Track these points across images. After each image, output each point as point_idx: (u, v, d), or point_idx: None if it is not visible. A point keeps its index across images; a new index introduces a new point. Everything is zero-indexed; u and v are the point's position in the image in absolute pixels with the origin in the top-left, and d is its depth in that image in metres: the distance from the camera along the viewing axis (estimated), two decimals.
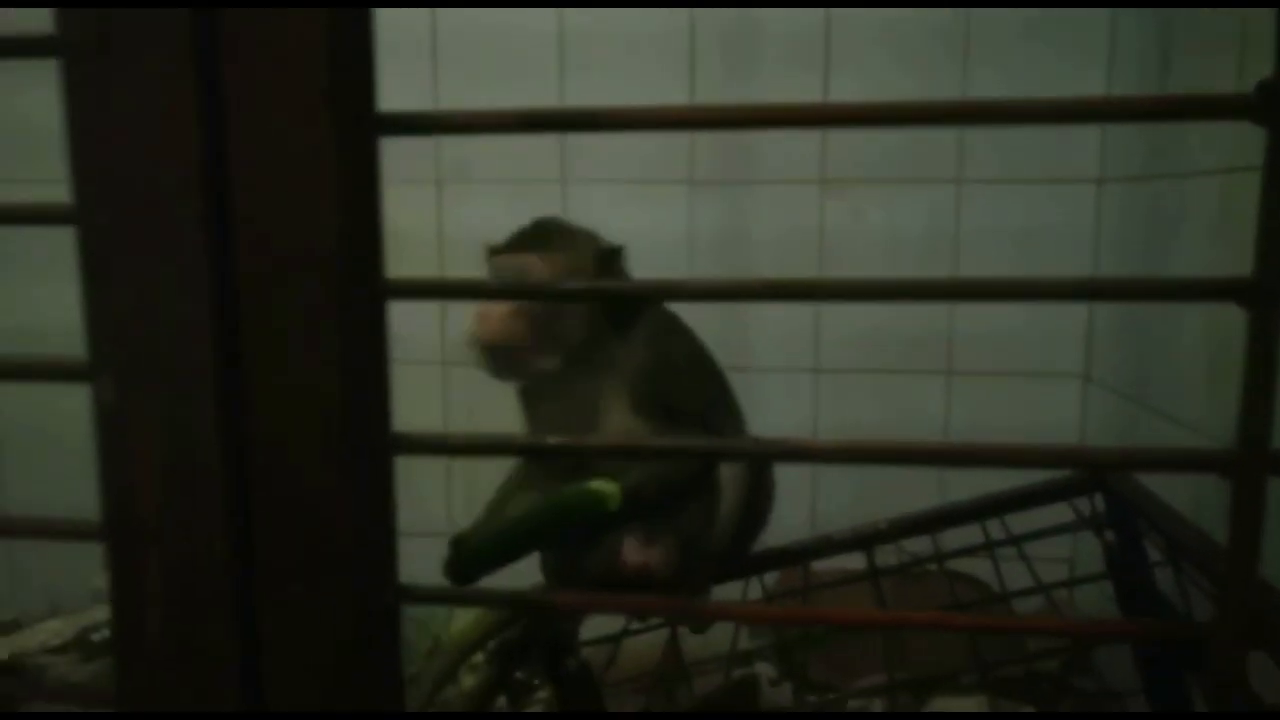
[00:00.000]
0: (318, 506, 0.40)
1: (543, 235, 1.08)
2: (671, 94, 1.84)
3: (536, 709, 1.32)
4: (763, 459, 1.01)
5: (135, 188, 0.39)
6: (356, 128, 0.39)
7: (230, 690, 0.40)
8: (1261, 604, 0.37)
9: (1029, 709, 1.30)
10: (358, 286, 0.39)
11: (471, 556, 0.99)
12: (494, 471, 1.92)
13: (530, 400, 1.11)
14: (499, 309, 0.98)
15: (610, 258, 1.08)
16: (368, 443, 0.41)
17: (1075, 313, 1.81)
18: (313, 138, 0.38)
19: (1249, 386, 0.36)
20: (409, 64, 1.87)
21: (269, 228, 0.39)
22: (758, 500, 1.15)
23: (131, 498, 0.40)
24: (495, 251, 1.09)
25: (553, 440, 0.40)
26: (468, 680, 1.33)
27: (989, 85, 1.77)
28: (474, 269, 1.90)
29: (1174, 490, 1.05)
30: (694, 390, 1.11)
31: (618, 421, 1.03)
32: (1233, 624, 0.37)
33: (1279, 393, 0.36)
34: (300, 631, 0.41)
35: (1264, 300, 0.35)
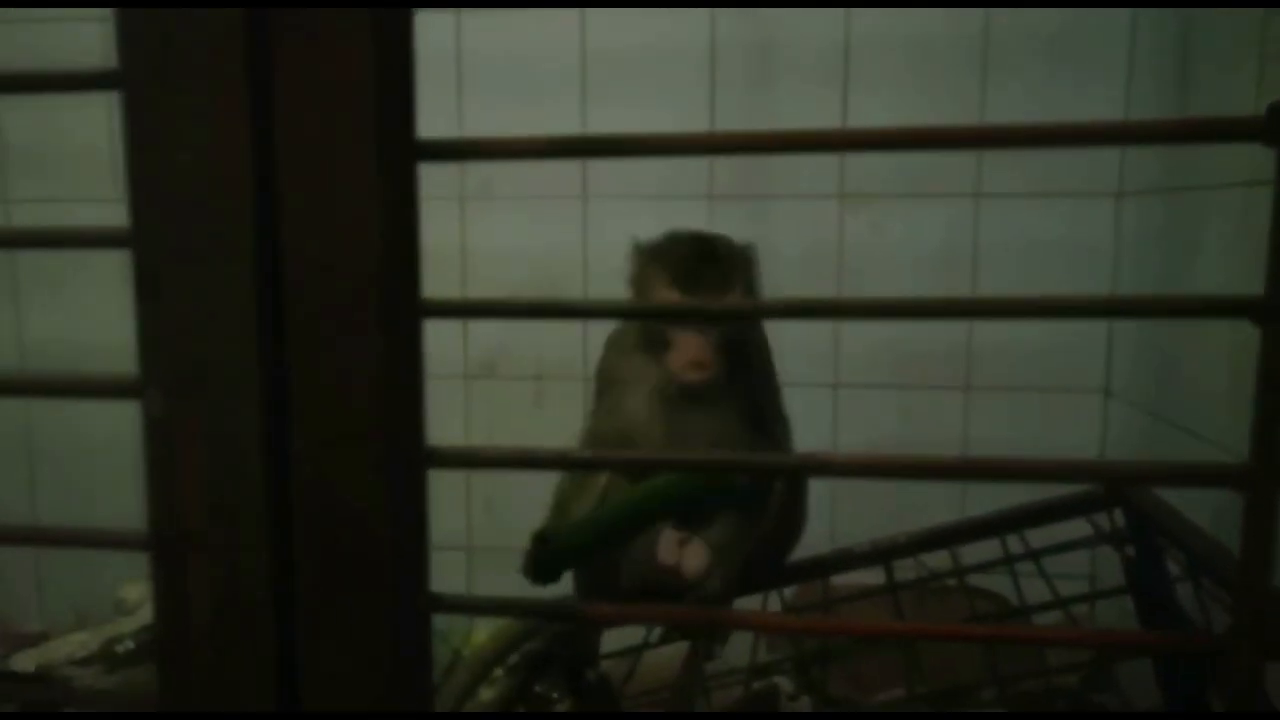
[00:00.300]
0: (355, 518, 0.41)
1: (722, 263, 1.07)
2: (692, 111, 1.86)
3: None
4: (785, 473, 1.02)
5: (189, 212, 0.41)
6: (398, 154, 0.41)
7: (268, 696, 0.42)
8: (1278, 615, 0.38)
9: None
10: (397, 306, 0.41)
11: (562, 550, 0.98)
12: (512, 484, 1.93)
13: (670, 411, 1.12)
14: (698, 344, 1.02)
15: (753, 258, 1.12)
16: (404, 456, 0.42)
17: (1095, 327, 1.81)
18: (358, 164, 0.40)
19: (1261, 402, 0.37)
20: (433, 86, 1.90)
21: (315, 250, 0.40)
22: (793, 515, 1.17)
23: (177, 508, 0.42)
24: (687, 292, 1.05)
25: (579, 453, 0.42)
26: (486, 694, 1.34)
27: (1008, 103, 1.77)
28: (495, 282, 1.94)
29: (1195, 505, 1.05)
30: (778, 400, 1.18)
31: (734, 429, 1.06)
32: (1248, 635, 0.38)
33: None
34: (337, 639, 0.42)
35: (1275, 317, 0.36)
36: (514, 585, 1.30)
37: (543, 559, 0.97)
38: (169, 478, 0.42)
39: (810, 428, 1.90)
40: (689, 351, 1.03)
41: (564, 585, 1.19)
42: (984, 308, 0.39)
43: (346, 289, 0.40)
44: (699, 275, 1.05)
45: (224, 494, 0.41)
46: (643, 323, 1.09)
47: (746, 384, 1.11)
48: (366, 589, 0.42)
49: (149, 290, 0.41)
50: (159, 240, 0.41)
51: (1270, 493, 0.37)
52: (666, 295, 1.05)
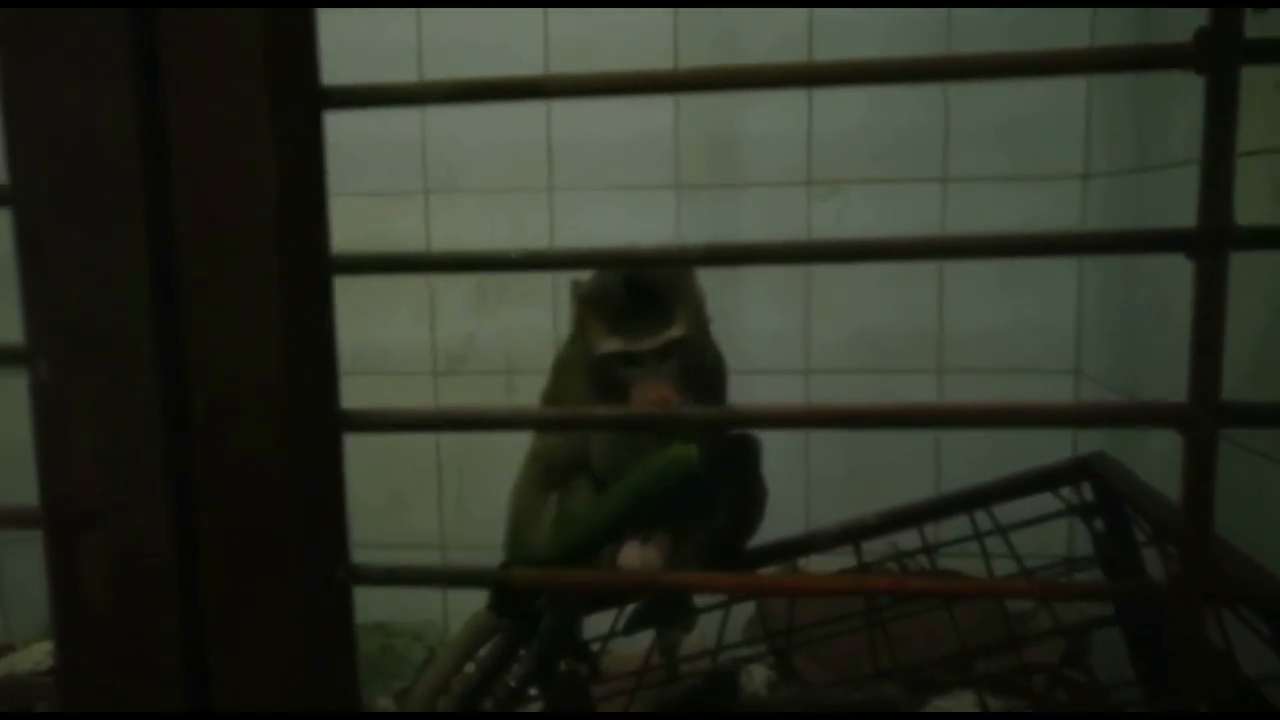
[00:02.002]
0: (263, 486, 0.39)
1: (658, 299, 1.03)
2: (657, 107, 1.85)
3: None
4: (744, 424, 0.98)
5: (72, 167, 0.38)
6: (297, 102, 0.39)
7: (176, 673, 0.40)
8: (1220, 561, 0.36)
9: (1021, 705, 1.29)
10: (300, 261, 0.39)
11: (561, 557, 0.96)
12: (483, 482, 1.91)
13: (627, 438, 1.08)
14: (660, 388, 0.99)
15: (691, 281, 1.10)
16: (314, 420, 0.40)
17: (1064, 308, 1.81)
18: (250, 112, 0.38)
19: (1197, 338, 0.35)
20: (396, 78, 1.87)
21: (209, 205, 0.38)
22: (749, 502, 1.15)
23: (70, 482, 0.39)
24: (629, 339, 1.01)
25: (500, 413, 0.40)
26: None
27: (971, 91, 1.77)
28: (462, 277, 1.91)
29: (1165, 478, 1.05)
30: (723, 391, 1.15)
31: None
32: (1192, 578, 0.37)
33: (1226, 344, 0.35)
34: (248, 613, 0.40)
35: (1209, 249, 0.35)
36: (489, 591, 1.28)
37: (510, 595, 0.95)
38: (60, 450, 0.39)
39: (781, 430, 1.89)
40: (651, 394, 0.99)
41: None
42: (948, 247, 0.37)
43: (243, 244, 0.38)
44: (637, 317, 1.01)
45: (120, 466, 0.39)
46: (592, 368, 1.05)
47: (700, 401, 1.09)
48: (278, 561, 0.40)
49: (33, 251, 0.39)
50: (42, 197, 0.38)
51: (1209, 432, 0.36)
52: (607, 346, 1.02)
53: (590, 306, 1.05)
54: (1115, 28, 1.68)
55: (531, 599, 0.98)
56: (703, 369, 1.09)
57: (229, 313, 0.39)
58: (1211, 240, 0.35)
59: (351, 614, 0.43)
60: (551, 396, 1.14)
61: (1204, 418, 0.36)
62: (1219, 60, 0.33)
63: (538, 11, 1.86)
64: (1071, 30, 1.74)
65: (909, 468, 1.81)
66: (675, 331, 1.02)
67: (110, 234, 0.38)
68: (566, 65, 1.86)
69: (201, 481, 0.39)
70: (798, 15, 1.80)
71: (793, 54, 1.81)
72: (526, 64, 1.86)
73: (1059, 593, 0.40)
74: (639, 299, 1.02)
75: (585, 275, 1.10)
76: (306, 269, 0.39)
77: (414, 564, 0.40)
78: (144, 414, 0.39)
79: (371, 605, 1.83)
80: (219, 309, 0.39)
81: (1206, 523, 0.36)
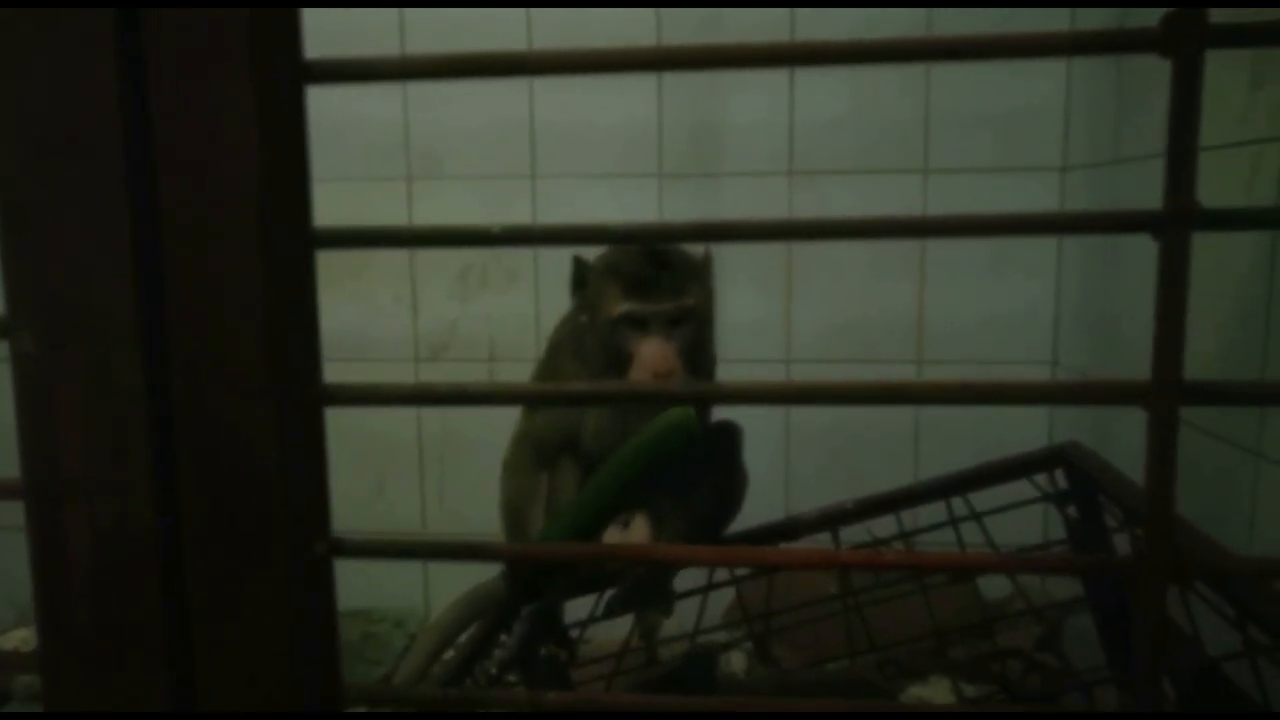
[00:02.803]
0: (245, 459, 0.40)
1: (676, 269, 1.06)
2: (640, 95, 1.85)
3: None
4: (725, 401, 1.00)
5: (55, 137, 0.38)
6: (281, 75, 0.39)
7: (159, 647, 0.40)
8: (1183, 541, 0.37)
9: (995, 690, 1.31)
10: (283, 235, 0.39)
11: (536, 571, 0.98)
12: (465, 473, 1.91)
13: (621, 417, 1.09)
14: (664, 353, 1.01)
15: (707, 264, 1.12)
16: (296, 394, 0.41)
17: (1043, 300, 1.83)
18: (234, 84, 0.38)
19: (1161, 316, 0.36)
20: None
21: (191, 176, 0.39)
22: (730, 488, 1.16)
23: (53, 454, 0.39)
24: (643, 300, 1.04)
25: (481, 388, 0.40)
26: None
27: (952, 84, 1.79)
28: (444, 263, 1.91)
29: (1136, 467, 1.07)
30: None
31: None
32: (1155, 555, 0.38)
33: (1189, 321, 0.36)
34: (230, 586, 0.40)
35: (1172, 229, 0.36)
36: (471, 575, 1.28)
37: (523, 590, 0.97)
38: (43, 423, 0.39)
39: (763, 408, 1.91)
40: (655, 361, 1.01)
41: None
42: (924, 226, 0.38)
43: (225, 217, 0.38)
44: (653, 283, 1.04)
45: (102, 439, 0.39)
46: (603, 336, 1.07)
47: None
48: (260, 535, 0.40)
49: (16, 222, 0.39)
50: (24, 167, 0.38)
51: (1170, 408, 0.37)
52: (620, 307, 1.04)
53: (606, 272, 1.07)
54: (1096, 23, 1.70)
55: (546, 578, 1.00)
56: (702, 356, 1.11)
57: (212, 286, 0.39)
58: (1175, 220, 0.36)
59: (333, 587, 0.43)
60: (543, 378, 1.15)
61: (1165, 394, 0.37)
62: (1185, 44, 0.34)
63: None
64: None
65: (887, 456, 1.83)
66: (688, 299, 1.04)
67: (92, 205, 0.38)
68: (551, 45, 1.86)
69: (184, 454, 0.40)
70: (780, 11, 1.80)
71: (778, 36, 1.82)
72: (510, 47, 1.85)
73: (1029, 565, 0.41)
74: (657, 266, 1.05)
75: (587, 253, 1.12)
76: (289, 243, 0.40)
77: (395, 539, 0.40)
78: (127, 386, 0.39)
79: (353, 592, 1.83)
80: (202, 282, 0.39)
81: (1168, 498, 0.38)
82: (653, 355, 1.01)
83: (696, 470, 1.10)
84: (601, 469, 1.02)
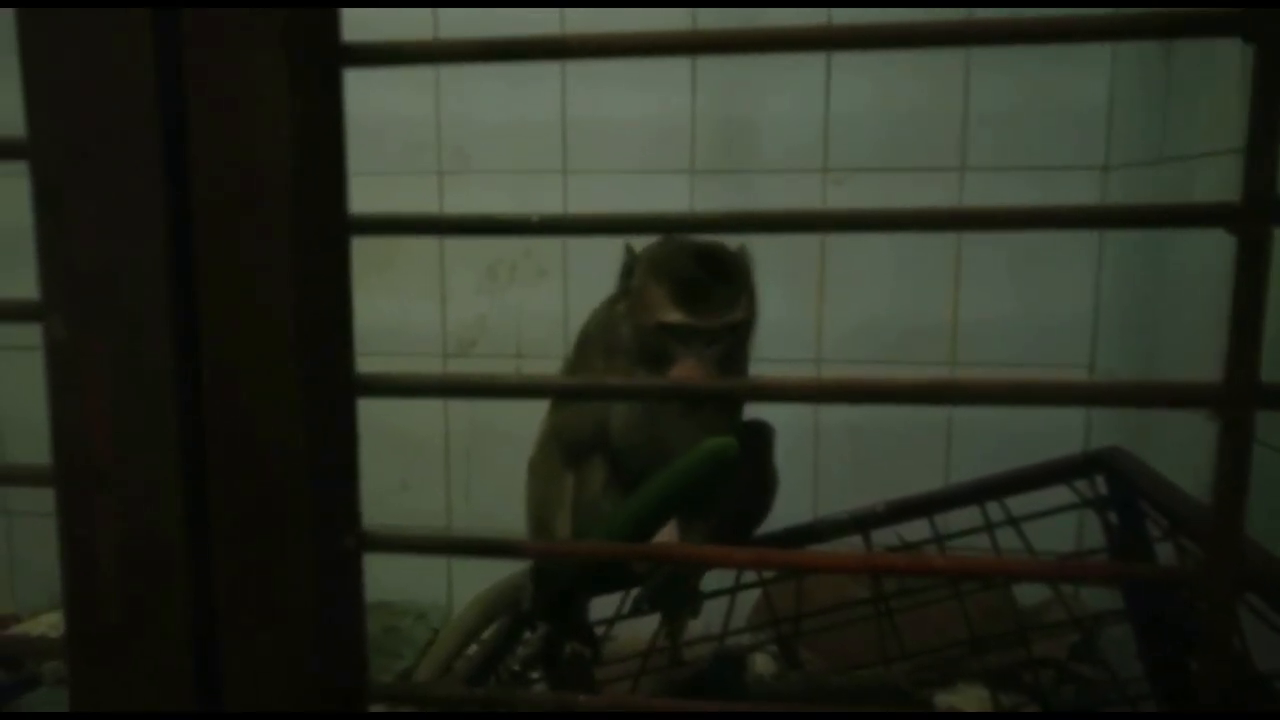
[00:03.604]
0: (275, 448, 0.39)
1: (729, 279, 1.01)
2: (673, 90, 1.83)
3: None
4: (756, 398, 0.96)
5: (89, 120, 0.38)
6: (316, 58, 0.38)
7: (186, 637, 0.39)
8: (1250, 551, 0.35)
9: (1027, 702, 1.28)
10: (317, 220, 0.38)
11: (566, 587, 0.96)
12: (490, 470, 1.90)
13: (655, 417, 1.07)
14: (699, 372, 0.96)
15: (751, 266, 1.07)
16: (328, 383, 0.40)
17: (1080, 302, 1.79)
18: (269, 67, 0.37)
19: (1236, 315, 0.34)
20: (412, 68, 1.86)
21: (225, 160, 0.38)
22: (761, 490, 1.14)
23: (83, 440, 0.39)
24: (694, 313, 0.99)
25: (513, 380, 0.39)
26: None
27: (992, 85, 1.75)
28: (473, 259, 1.91)
29: (1181, 472, 1.04)
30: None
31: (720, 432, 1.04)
32: (1225, 564, 0.36)
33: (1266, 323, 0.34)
34: (258, 577, 0.39)
35: (1252, 224, 0.34)
36: (495, 571, 1.27)
37: (548, 598, 0.94)
38: (74, 409, 0.39)
39: (791, 408, 1.88)
40: (691, 377, 0.96)
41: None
42: (970, 219, 0.36)
43: (260, 203, 0.37)
44: (706, 297, 0.98)
45: (133, 425, 0.39)
46: (641, 335, 1.03)
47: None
48: (288, 527, 0.39)
49: (49, 205, 0.38)
50: (59, 150, 0.38)
51: (1244, 412, 0.35)
52: (670, 315, 0.98)
53: (655, 271, 1.01)
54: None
55: (571, 600, 0.97)
56: (737, 362, 1.07)
57: (244, 272, 0.38)
58: (1255, 212, 0.34)
59: (362, 581, 0.42)
60: (571, 374, 1.12)
61: (1240, 398, 0.35)
62: (1269, 25, 0.32)
63: None
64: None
65: (918, 459, 1.80)
66: (738, 315, 1.00)
67: (126, 189, 0.38)
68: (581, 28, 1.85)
69: (214, 443, 0.39)
70: (818, 10, 1.78)
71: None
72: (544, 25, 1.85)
73: (1083, 573, 0.39)
74: (711, 273, 0.99)
75: (639, 244, 1.08)
76: (323, 228, 0.39)
77: (424, 533, 0.39)
78: (157, 374, 0.38)
79: (376, 585, 1.83)
80: (234, 267, 0.38)
81: (1239, 508, 0.36)
82: (690, 371, 0.97)
83: (726, 470, 1.08)
84: (636, 495, 0.99)
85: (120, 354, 0.38)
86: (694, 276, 0.99)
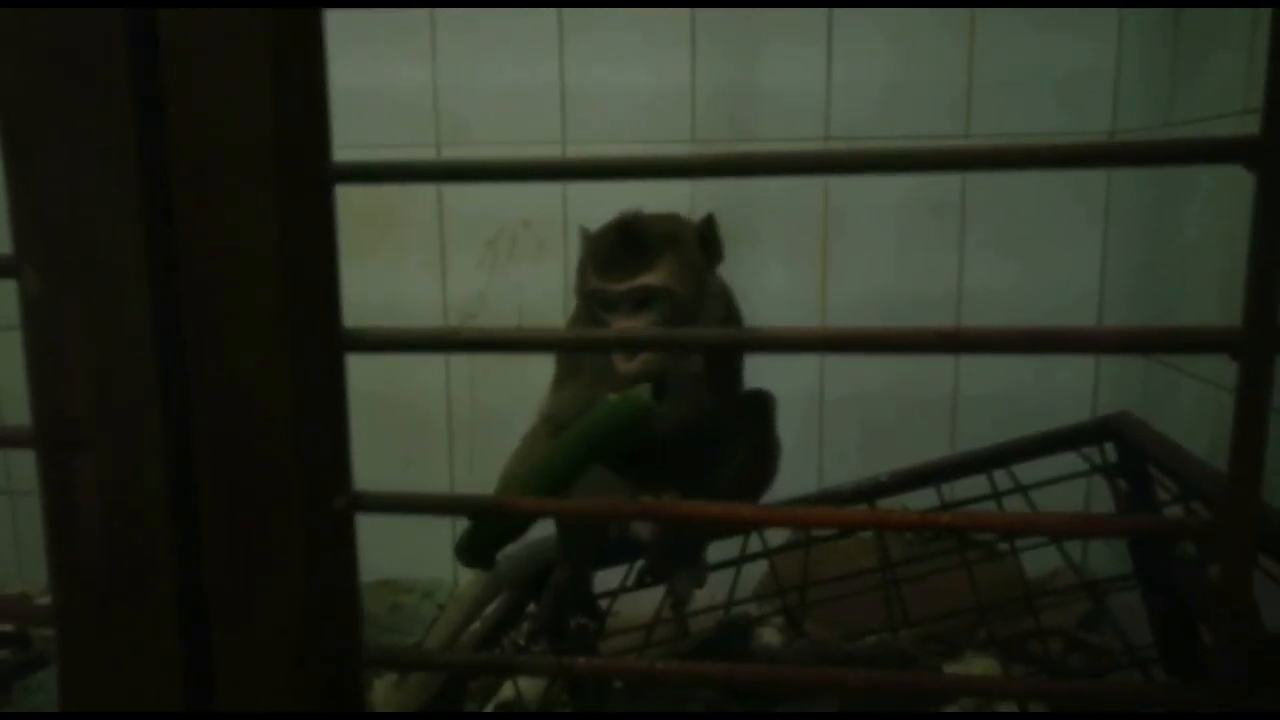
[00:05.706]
0: (261, 407, 0.38)
1: (645, 245, 1.00)
2: (672, 60, 1.80)
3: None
4: (752, 349, 0.93)
5: (59, 69, 0.36)
6: (296, 5, 0.37)
7: (171, 599, 0.38)
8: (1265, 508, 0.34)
9: (1036, 672, 1.28)
10: (300, 168, 0.37)
11: (493, 529, 0.93)
12: (496, 440, 1.90)
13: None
14: (639, 360, 0.96)
15: (709, 230, 1.05)
16: (315, 339, 0.38)
17: (1088, 270, 1.77)
18: (247, 11, 0.35)
19: (1256, 255, 0.33)
20: (408, 39, 1.84)
21: (202, 110, 0.36)
22: (762, 459, 1.13)
23: (62, 400, 0.38)
24: (605, 279, 1.00)
25: (503, 333, 0.38)
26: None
27: (997, 51, 1.73)
28: (473, 232, 1.89)
29: (1188, 442, 1.02)
30: (739, 374, 1.13)
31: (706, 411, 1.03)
32: (1243, 520, 0.34)
33: None
34: (245, 538, 0.38)
35: (1271, 159, 0.32)
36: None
37: (474, 541, 0.91)
38: (52, 367, 0.38)
39: (795, 380, 1.87)
40: (624, 365, 0.96)
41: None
42: (978, 157, 0.35)
43: (239, 150, 0.36)
44: (616, 260, 0.99)
45: (113, 383, 0.38)
46: (583, 309, 1.04)
47: (708, 364, 1.05)
48: (277, 486, 0.38)
49: (20, 156, 0.37)
50: (28, 97, 0.36)
51: (1264, 358, 0.33)
52: (589, 282, 1.00)
53: (585, 245, 1.04)
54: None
55: (498, 547, 0.95)
56: (700, 321, 1.03)
57: (224, 223, 0.37)
58: (1275, 148, 0.32)
59: (354, 543, 0.41)
60: (565, 359, 1.11)
61: (1259, 341, 0.33)
62: None
63: None
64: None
65: (924, 428, 1.79)
66: (649, 279, 0.98)
67: (98, 138, 0.36)
68: (581, 17, 1.82)
69: (198, 401, 0.38)
70: None
71: (813, 16, 1.76)
72: (540, 23, 1.83)
73: (1102, 528, 0.38)
74: (625, 241, 1.00)
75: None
76: (307, 177, 0.37)
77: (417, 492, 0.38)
78: (137, 329, 0.37)
79: (381, 562, 1.83)
80: (214, 220, 0.37)
81: (1258, 457, 0.34)
82: (622, 362, 0.97)
83: (724, 442, 1.07)
84: (550, 447, 0.98)
85: (97, 309, 0.37)
86: (612, 245, 1.00)
